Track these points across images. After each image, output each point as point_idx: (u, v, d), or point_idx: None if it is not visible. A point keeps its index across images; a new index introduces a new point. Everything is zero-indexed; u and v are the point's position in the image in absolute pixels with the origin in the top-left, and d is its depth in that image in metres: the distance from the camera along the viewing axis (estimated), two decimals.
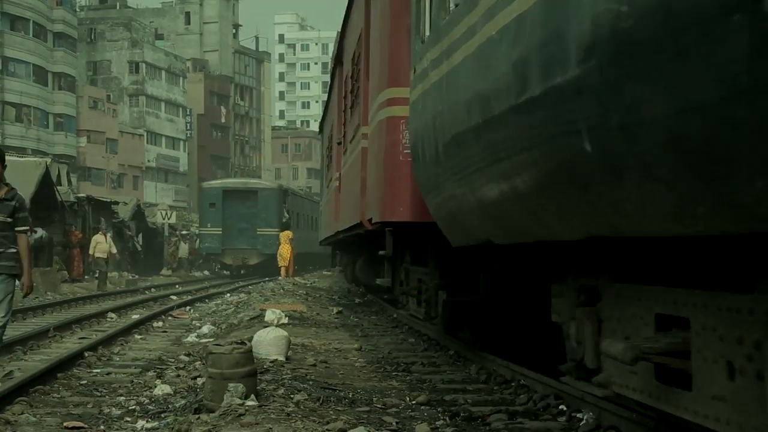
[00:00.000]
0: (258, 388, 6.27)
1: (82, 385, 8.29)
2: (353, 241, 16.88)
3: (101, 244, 27.15)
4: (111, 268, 29.35)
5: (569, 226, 3.87)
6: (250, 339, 8.17)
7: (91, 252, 27.25)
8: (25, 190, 25.72)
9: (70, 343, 12.06)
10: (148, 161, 74.66)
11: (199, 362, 8.98)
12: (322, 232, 25.32)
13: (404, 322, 13.32)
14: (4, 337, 7.64)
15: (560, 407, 6.30)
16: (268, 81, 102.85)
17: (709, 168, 2.54)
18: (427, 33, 6.38)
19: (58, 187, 29.57)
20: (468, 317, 9.10)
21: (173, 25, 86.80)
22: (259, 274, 36.53)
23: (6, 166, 7.25)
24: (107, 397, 7.61)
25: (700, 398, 3.53)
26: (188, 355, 10.26)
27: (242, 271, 38.30)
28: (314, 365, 8.48)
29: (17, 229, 7.38)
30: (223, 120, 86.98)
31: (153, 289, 27.92)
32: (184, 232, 47.98)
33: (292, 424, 5.24)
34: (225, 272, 40.08)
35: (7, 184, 7.37)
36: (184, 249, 45.17)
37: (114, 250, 28.52)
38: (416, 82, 6.60)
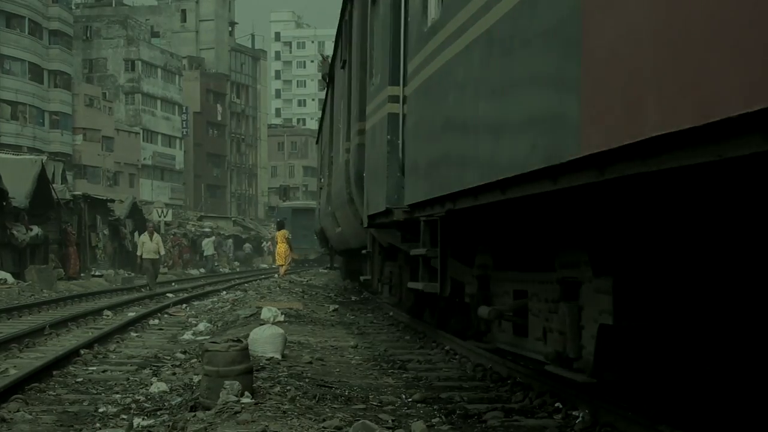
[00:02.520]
0: (254, 385, 6.27)
1: (78, 382, 8.29)
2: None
3: (147, 244, 25.02)
4: (158, 268, 26.35)
5: None
6: (246, 336, 8.16)
7: (138, 253, 25.99)
8: (22, 187, 25.75)
9: (65, 341, 12.05)
10: (144, 159, 74.57)
11: (195, 360, 8.97)
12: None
13: (400, 320, 13.33)
14: None
15: (556, 405, 6.30)
16: (264, 79, 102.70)
17: None
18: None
19: (54, 185, 29.54)
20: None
21: (169, 23, 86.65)
22: (316, 264, 49.29)
23: None
24: (103, 394, 7.61)
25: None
26: (184, 352, 10.25)
27: (306, 264, 50.25)
28: (310, 363, 8.49)
29: None
30: (219, 118, 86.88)
31: (149, 287, 27.87)
32: (207, 230, 49.66)
33: (288, 421, 5.24)
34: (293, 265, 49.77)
35: None
36: (209, 246, 46.45)
37: (162, 251, 26.34)
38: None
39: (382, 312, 15.29)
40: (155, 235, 25.90)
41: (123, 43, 74.90)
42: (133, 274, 33.77)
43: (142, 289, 26.18)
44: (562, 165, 4.05)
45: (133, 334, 13.11)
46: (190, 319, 15.78)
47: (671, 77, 2.99)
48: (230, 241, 56.21)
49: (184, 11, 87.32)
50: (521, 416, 6.09)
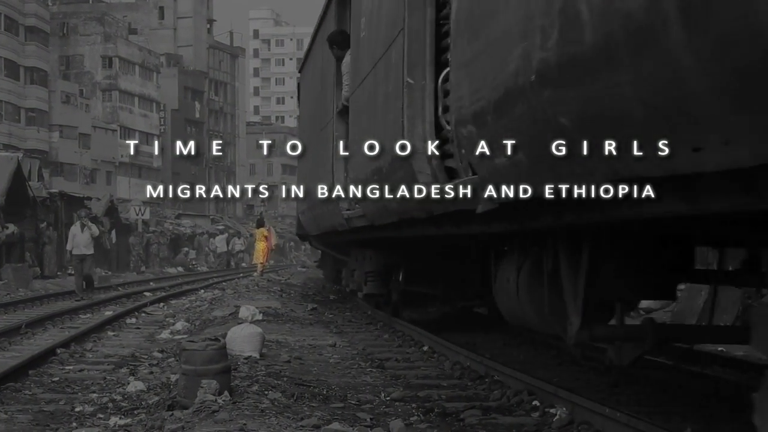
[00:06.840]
0: (232, 384, 6.25)
1: (54, 382, 8.23)
2: None
3: (78, 237, 20.63)
4: (91, 267, 21.36)
5: None
6: (224, 335, 8.14)
7: (68, 248, 21.35)
8: None
9: (42, 340, 11.96)
10: (122, 156, 74.07)
11: (173, 359, 8.94)
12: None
13: (378, 319, 13.35)
14: None
15: (534, 403, 6.33)
16: (242, 76, 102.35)
17: None
18: None
19: (30, 183, 29.31)
20: None
21: (147, 20, 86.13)
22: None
23: None
24: (80, 394, 7.57)
25: None
26: (162, 351, 10.21)
27: None
28: (288, 362, 8.48)
29: None
30: (197, 115, 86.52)
31: (126, 286, 27.71)
32: (221, 227, 49.52)
33: (266, 420, 5.23)
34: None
35: None
36: (222, 243, 46.69)
37: (90, 251, 20.61)
38: None
39: (360, 311, 15.31)
40: (88, 225, 21.02)
41: (100, 40, 74.37)
42: (110, 273, 33.57)
43: (119, 288, 26.02)
44: None
45: (110, 333, 13.03)
46: (167, 318, 15.70)
47: None
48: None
49: (162, 8, 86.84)
50: (499, 414, 6.12)
